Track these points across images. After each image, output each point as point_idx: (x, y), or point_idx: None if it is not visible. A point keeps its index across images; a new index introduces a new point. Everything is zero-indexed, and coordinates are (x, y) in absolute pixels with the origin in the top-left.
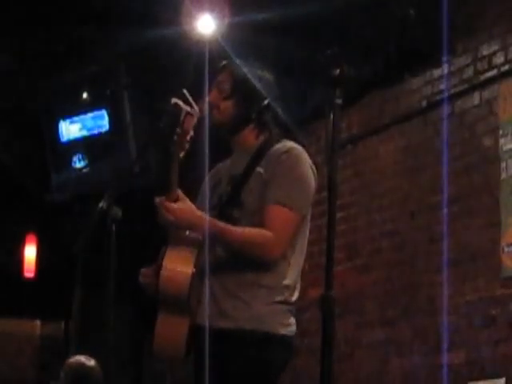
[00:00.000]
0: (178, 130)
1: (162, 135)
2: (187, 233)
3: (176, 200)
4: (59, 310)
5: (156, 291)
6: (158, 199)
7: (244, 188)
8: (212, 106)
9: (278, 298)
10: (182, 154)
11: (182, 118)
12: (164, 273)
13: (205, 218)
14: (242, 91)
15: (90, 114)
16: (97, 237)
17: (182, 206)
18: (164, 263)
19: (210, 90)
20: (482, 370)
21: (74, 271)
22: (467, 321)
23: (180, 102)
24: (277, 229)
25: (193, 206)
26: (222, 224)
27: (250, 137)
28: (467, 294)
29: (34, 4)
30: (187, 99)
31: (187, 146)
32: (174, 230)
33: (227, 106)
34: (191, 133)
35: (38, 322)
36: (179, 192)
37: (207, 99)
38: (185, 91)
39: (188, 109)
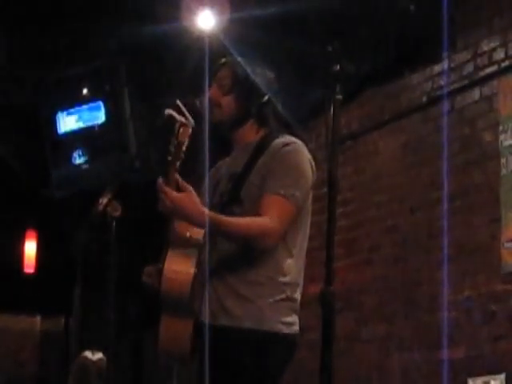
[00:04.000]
0: (174, 140)
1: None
2: (188, 234)
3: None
4: (59, 305)
5: (158, 292)
6: (160, 180)
7: (244, 185)
8: (212, 103)
9: (281, 296)
10: (178, 164)
11: (176, 129)
12: (165, 275)
13: (204, 211)
14: (243, 87)
15: (86, 106)
16: (97, 233)
17: (185, 196)
18: (165, 265)
19: (210, 86)
20: (482, 365)
21: (75, 267)
22: (467, 316)
23: (174, 113)
24: (272, 216)
25: (197, 199)
26: (219, 216)
27: (249, 133)
28: (467, 289)
29: None
30: (181, 110)
31: (183, 155)
32: (174, 232)
33: (227, 102)
34: (186, 143)
35: (39, 318)
36: (188, 186)
37: (207, 95)
38: (179, 102)
39: (183, 120)
